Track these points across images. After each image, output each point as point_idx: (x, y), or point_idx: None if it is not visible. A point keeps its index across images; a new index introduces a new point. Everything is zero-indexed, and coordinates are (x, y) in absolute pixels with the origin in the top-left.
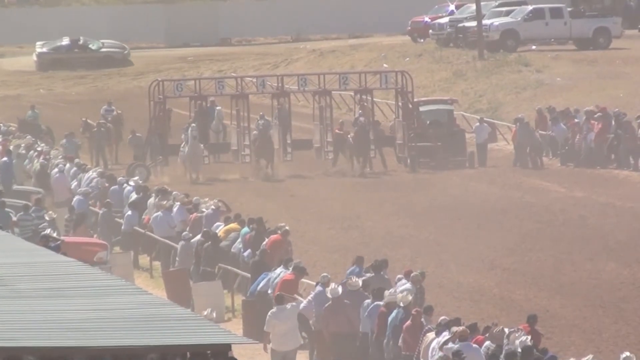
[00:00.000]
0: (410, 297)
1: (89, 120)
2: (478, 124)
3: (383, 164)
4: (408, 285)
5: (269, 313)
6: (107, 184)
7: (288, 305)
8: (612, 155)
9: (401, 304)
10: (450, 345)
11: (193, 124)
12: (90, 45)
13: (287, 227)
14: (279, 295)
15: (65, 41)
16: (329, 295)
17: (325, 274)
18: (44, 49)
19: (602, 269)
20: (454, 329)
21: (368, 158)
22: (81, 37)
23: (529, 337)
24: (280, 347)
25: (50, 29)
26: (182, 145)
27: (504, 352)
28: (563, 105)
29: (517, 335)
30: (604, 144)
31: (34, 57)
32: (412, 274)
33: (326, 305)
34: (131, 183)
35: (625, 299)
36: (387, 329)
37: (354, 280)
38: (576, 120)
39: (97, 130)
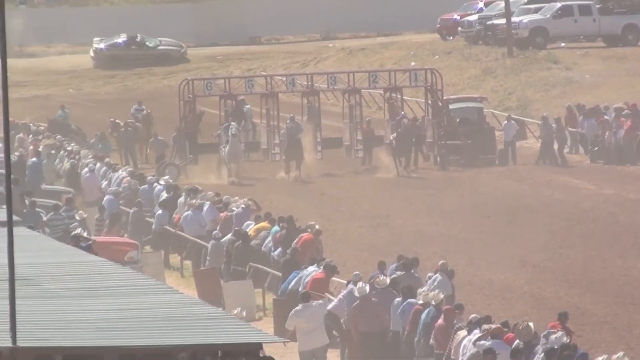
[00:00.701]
0: (442, 296)
1: (117, 120)
2: (506, 121)
3: (414, 162)
4: (439, 276)
5: (293, 311)
6: (138, 184)
7: (314, 303)
8: None
9: (433, 302)
10: (482, 342)
11: (233, 122)
12: (147, 43)
13: (317, 226)
14: (305, 292)
15: (122, 38)
16: (356, 294)
17: (357, 272)
18: (101, 46)
19: (633, 265)
20: (486, 326)
21: (410, 159)
22: (138, 34)
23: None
24: (306, 346)
25: (79, 29)
26: (222, 144)
27: (541, 349)
28: (592, 102)
29: (556, 335)
30: (634, 140)
31: (91, 54)
32: (440, 263)
33: (354, 304)
34: (161, 182)
35: None
36: (418, 327)
37: (381, 278)
38: (606, 117)
39: (124, 130)
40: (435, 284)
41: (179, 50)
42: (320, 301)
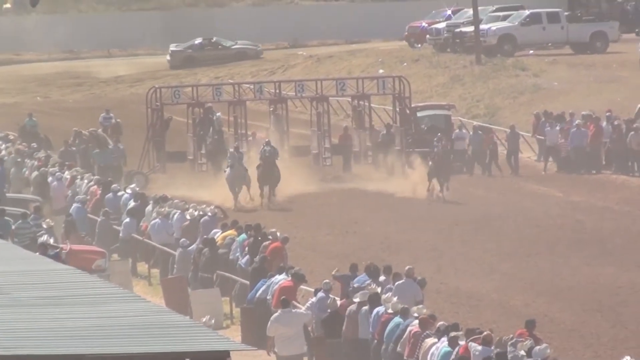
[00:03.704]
0: (424, 310)
1: (81, 130)
2: (472, 133)
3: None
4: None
5: (272, 317)
6: (99, 191)
7: (293, 310)
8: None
9: (415, 315)
10: (475, 346)
11: (236, 145)
12: (222, 43)
13: (278, 234)
14: (285, 299)
15: (198, 40)
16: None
17: (327, 280)
18: (177, 48)
19: (600, 273)
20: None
21: (448, 181)
22: (214, 37)
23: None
24: (284, 352)
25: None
26: (226, 166)
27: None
28: (560, 109)
29: (524, 343)
30: (601, 148)
31: (167, 57)
32: (406, 268)
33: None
34: (128, 190)
35: (623, 303)
36: (385, 335)
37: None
38: (575, 123)
39: (88, 139)
40: (395, 288)
41: (255, 48)
42: (302, 309)
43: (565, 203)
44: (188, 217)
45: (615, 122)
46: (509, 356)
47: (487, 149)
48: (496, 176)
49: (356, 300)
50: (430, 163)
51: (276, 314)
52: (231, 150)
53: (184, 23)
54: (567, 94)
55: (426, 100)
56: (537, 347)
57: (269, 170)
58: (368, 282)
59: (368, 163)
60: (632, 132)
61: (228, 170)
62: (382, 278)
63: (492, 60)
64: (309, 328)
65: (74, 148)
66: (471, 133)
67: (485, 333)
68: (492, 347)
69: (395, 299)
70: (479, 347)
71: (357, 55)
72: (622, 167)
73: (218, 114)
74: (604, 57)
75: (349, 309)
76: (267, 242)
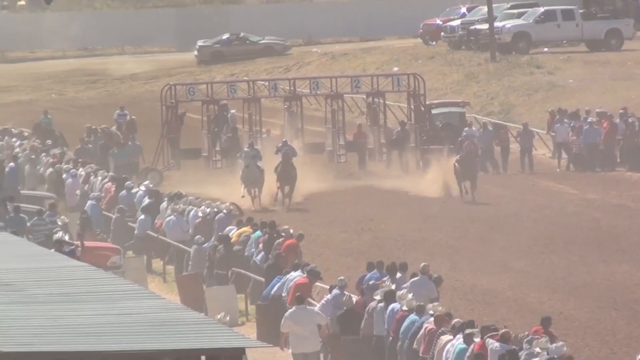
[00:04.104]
0: (440, 307)
1: (93, 126)
2: (482, 129)
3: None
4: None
5: (287, 313)
6: (113, 188)
7: (308, 307)
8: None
9: (431, 312)
10: (495, 344)
11: (250, 142)
12: (250, 38)
13: (292, 231)
14: (299, 296)
15: (225, 35)
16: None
17: (342, 277)
18: (205, 43)
19: (616, 270)
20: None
21: (476, 183)
22: (242, 32)
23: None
24: (298, 349)
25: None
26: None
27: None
28: (575, 107)
29: (539, 341)
30: (615, 146)
31: (195, 52)
32: (422, 265)
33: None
34: (142, 187)
35: (638, 300)
36: (401, 332)
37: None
38: (589, 120)
39: (94, 137)
40: (410, 285)
41: (283, 44)
42: (317, 306)
43: (580, 200)
44: (200, 214)
45: (630, 120)
46: (524, 353)
47: (499, 146)
48: (511, 174)
49: (377, 297)
50: (456, 165)
51: (290, 310)
52: (246, 149)
53: (199, 20)
54: (582, 92)
55: (441, 98)
56: (554, 345)
57: (287, 170)
58: (385, 279)
59: (382, 160)
60: None
61: (243, 169)
62: (398, 275)
63: (506, 57)
64: (324, 328)
65: (90, 145)
66: (481, 130)
67: (503, 330)
68: (510, 345)
69: (410, 295)
70: (497, 344)
71: (371, 52)
72: (636, 164)
73: (233, 111)
74: (618, 54)
75: (369, 306)
76: (280, 240)
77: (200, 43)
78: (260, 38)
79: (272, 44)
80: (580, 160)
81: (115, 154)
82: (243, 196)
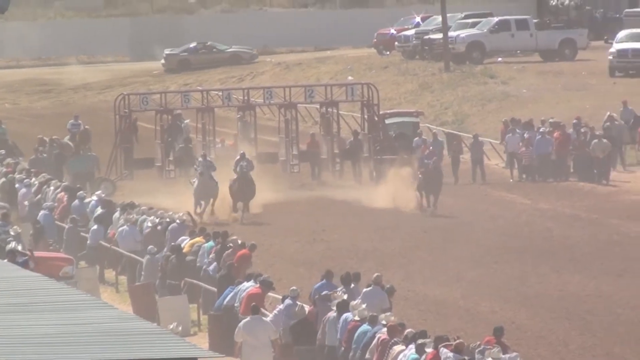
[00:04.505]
0: (392, 317)
1: (44, 137)
2: (432, 139)
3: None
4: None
5: (241, 323)
6: (65, 198)
7: (264, 318)
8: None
9: (383, 322)
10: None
11: (200, 159)
12: (217, 46)
13: (240, 241)
14: (255, 305)
15: (193, 44)
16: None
17: (294, 287)
18: (172, 52)
19: (568, 281)
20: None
21: (438, 197)
22: (209, 41)
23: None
24: (251, 359)
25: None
26: (193, 178)
27: None
28: (529, 117)
29: (491, 351)
30: (567, 155)
31: (162, 61)
32: (374, 276)
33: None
34: (94, 197)
35: (591, 311)
36: (353, 342)
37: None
38: (541, 130)
39: (49, 147)
40: (362, 295)
41: (250, 52)
42: (269, 316)
43: (533, 210)
44: (150, 224)
45: (582, 130)
46: None
47: (450, 156)
48: (463, 184)
49: (334, 308)
50: (420, 176)
51: (245, 320)
52: (200, 159)
53: (153, 30)
54: (536, 102)
55: (395, 108)
56: (507, 356)
57: (245, 185)
58: (339, 289)
59: (336, 170)
60: (596, 140)
61: (196, 181)
62: (352, 285)
63: (460, 67)
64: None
65: (44, 155)
66: (431, 140)
67: (457, 341)
68: (463, 356)
69: (363, 306)
70: (451, 354)
71: (325, 62)
72: (588, 175)
73: (187, 120)
74: (572, 64)
75: (326, 316)
76: (229, 251)
77: (167, 51)
78: (228, 47)
79: (239, 53)
80: (530, 171)
81: (72, 163)
82: (198, 213)
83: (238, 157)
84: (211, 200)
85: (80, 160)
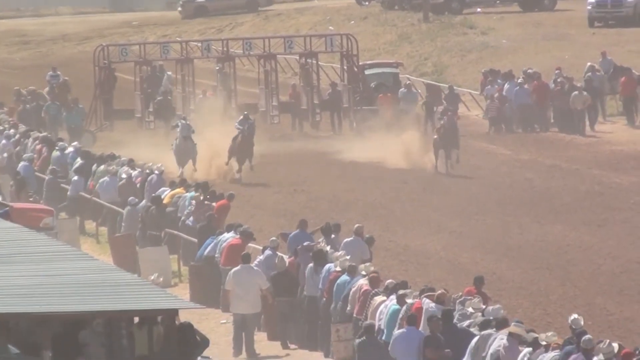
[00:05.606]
0: (372, 268)
1: (21, 89)
2: (405, 90)
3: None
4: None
5: (231, 272)
6: (45, 149)
7: (254, 267)
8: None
9: (363, 273)
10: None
11: (182, 121)
12: None
13: (231, 192)
14: (246, 254)
15: None
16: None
17: (274, 238)
18: None
19: (549, 231)
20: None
21: (458, 152)
22: None
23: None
24: (239, 310)
25: None
26: (174, 138)
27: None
28: (508, 67)
29: (472, 301)
30: (547, 106)
31: (179, 9)
32: (355, 226)
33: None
34: (71, 148)
35: (571, 261)
36: (334, 293)
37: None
38: (518, 81)
39: (29, 98)
40: (343, 245)
41: None
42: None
43: (513, 161)
44: (124, 175)
45: (559, 80)
46: (457, 314)
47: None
48: None
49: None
50: (435, 136)
51: (235, 269)
52: (182, 121)
53: None
54: (515, 52)
55: (374, 58)
56: (490, 307)
57: (247, 145)
58: (320, 240)
59: (316, 121)
60: (575, 92)
61: (176, 142)
62: (332, 236)
63: (440, 18)
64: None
65: (28, 106)
66: (405, 90)
67: (439, 292)
68: (447, 307)
69: (347, 257)
70: (432, 304)
71: (305, 13)
72: (567, 126)
73: (169, 72)
74: (552, 14)
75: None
76: (207, 203)
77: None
78: None
79: None
80: (496, 122)
81: (68, 117)
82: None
83: (242, 117)
84: (192, 160)
85: (74, 114)
